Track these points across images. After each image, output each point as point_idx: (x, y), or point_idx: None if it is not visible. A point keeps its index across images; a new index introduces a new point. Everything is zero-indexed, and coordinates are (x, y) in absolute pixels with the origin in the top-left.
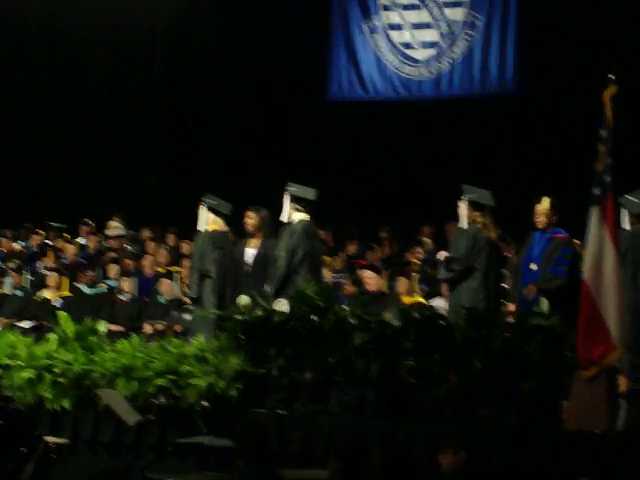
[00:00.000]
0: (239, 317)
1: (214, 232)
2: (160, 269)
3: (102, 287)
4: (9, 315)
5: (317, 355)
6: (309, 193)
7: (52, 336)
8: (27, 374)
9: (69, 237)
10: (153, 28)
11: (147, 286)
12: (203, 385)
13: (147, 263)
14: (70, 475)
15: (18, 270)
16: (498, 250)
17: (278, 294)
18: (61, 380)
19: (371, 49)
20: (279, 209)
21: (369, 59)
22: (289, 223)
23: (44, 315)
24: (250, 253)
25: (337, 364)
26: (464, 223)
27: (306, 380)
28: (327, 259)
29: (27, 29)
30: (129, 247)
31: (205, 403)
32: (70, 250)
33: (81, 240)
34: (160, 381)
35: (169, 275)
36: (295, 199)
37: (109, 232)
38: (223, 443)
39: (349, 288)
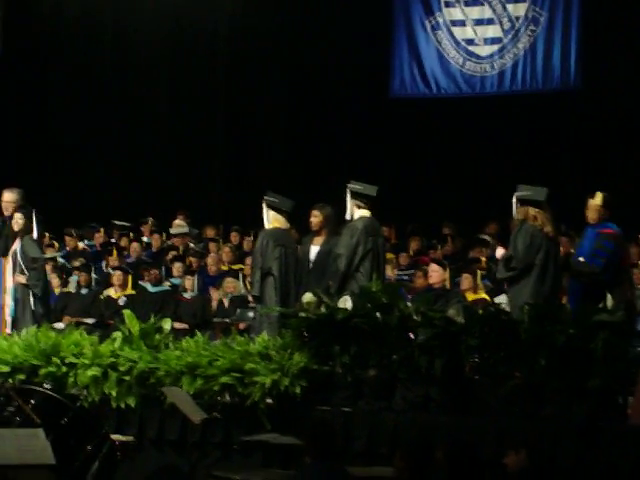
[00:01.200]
0: (303, 314)
1: (275, 229)
2: (224, 267)
3: (166, 285)
4: (74, 314)
5: (381, 352)
6: (370, 190)
7: (117, 334)
8: (92, 372)
9: (133, 236)
10: (216, 27)
11: (211, 284)
12: (267, 383)
13: (211, 261)
14: (136, 473)
15: (83, 269)
16: (557, 246)
17: (339, 292)
18: (126, 378)
19: (433, 45)
20: (343, 206)
21: (431, 55)
22: (350, 220)
23: (109, 314)
24: (315, 251)
25: (401, 361)
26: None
27: (370, 377)
28: (390, 256)
29: (91, 29)
30: (193, 245)
31: (269, 400)
32: (134, 249)
33: (145, 239)
34: (225, 379)
35: (233, 273)
36: (356, 196)
37: (173, 230)
38: (288, 440)
39: (420, 281)
